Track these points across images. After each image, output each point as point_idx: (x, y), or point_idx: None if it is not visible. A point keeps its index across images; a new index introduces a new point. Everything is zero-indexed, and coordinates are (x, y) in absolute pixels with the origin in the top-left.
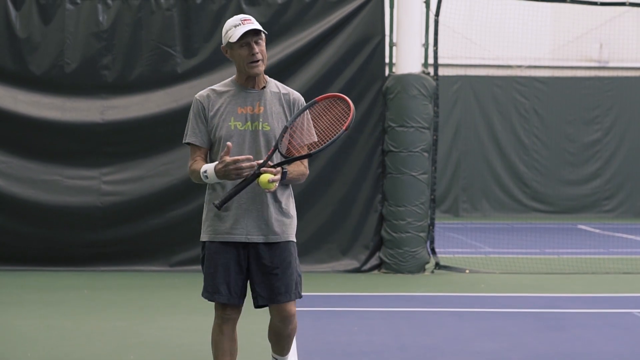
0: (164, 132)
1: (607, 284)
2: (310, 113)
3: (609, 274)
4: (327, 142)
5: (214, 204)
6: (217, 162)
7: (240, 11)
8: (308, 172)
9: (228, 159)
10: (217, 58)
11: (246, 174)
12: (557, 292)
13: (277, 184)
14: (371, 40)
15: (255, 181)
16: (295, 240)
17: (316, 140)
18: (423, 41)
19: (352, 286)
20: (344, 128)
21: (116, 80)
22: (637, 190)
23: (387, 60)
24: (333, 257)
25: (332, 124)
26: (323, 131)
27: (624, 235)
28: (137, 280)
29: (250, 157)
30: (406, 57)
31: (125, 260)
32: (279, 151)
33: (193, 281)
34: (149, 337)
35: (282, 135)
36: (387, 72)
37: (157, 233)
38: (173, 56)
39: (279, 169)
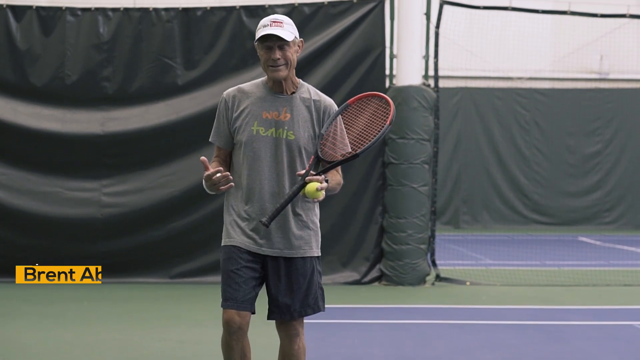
0: (164, 143)
1: (608, 296)
2: (344, 118)
3: (610, 286)
4: (373, 139)
5: (261, 221)
6: None
7: (241, 23)
8: (343, 181)
9: (205, 174)
10: (218, 70)
11: (224, 187)
12: (558, 304)
13: (324, 193)
14: (372, 52)
15: (301, 192)
16: (318, 254)
17: (349, 150)
18: (423, 53)
19: (353, 298)
20: (387, 123)
21: (117, 92)
22: (638, 202)
23: (387, 72)
24: (333, 269)
25: (372, 121)
26: (363, 131)
27: (625, 247)
28: (137, 292)
29: (220, 168)
30: (406, 68)
31: (125, 272)
32: (320, 158)
33: (193, 293)
34: (149, 349)
35: (319, 143)
36: (387, 83)
37: (158, 245)
38: (173, 68)
39: (324, 176)
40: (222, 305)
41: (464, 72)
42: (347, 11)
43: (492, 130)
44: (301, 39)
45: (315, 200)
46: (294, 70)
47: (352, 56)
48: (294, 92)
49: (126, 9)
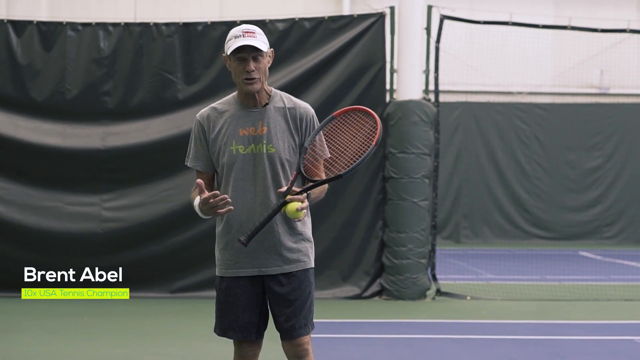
0: (164, 158)
1: (609, 311)
2: (329, 130)
3: (611, 300)
4: (358, 161)
5: (239, 240)
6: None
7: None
8: (327, 185)
9: (201, 198)
10: (218, 84)
11: (223, 210)
12: (558, 319)
13: (305, 211)
14: (372, 66)
15: (282, 210)
16: (313, 265)
17: (329, 156)
18: (424, 68)
19: (353, 313)
20: (373, 143)
21: (117, 106)
22: (639, 217)
23: (388, 86)
24: (334, 284)
25: (357, 140)
26: (348, 149)
27: (625, 262)
28: (138, 306)
29: (217, 192)
30: (407, 83)
31: (125, 287)
32: (303, 175)
33: (194, 308)
34: None
35: (302, 157)
36: (388, 98)
37: (158, 259)
38: (174, 82)
39: (305, 195)
40: (228, 337)
41: (464, 86)
42: (348, 26)
43: (492, 145)
44: (272, 49)
45: (296, 220)
46: (266, 82)
47: (352, 71)
48: (267, 104)
49: (127, 24)
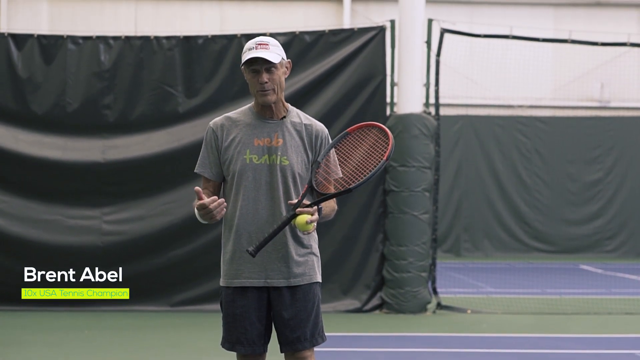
0: (165, 171)
1: (609, 325)
2: (342, 146)
3: (611, 314)
4: (369, 175)
5: (247, 251)
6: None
7: (242, 51)
8: (337, 207)
9: (198, 203)
10: (219, 98)
11: (218, 216)
12: (559, 333)
13: (315, 225)
14: (372, 80)
15: (292, 222)
16: (320, 280)
17: (341, 176)
18: (424, 81)
19: (354, 326)
20: (384, 158)
21: (117, 119)
22: (639, 230)
23: (388, 100)
24: (334, 297)
25: (369, 154)
26: (360, 163)
27: (626, 276)
28: (138, 320)
29: (215, 197)
30: (407, 97)
31: (125, 300)
32: (314, 188)
33: (194, 321)
34: None
35: (314, 171)
36: (388, 111)
37: (158, 273)
38: (174, 96)
39: (315, 207)
40: (235, 350)
41: (464, 100)
42: (348, 39)
43: (493, 158)
44: (289, 60)
45: (305, 232)
46: (283, 94)
47: (352, 84)
48: (284, 117)
49: (127, 37)
